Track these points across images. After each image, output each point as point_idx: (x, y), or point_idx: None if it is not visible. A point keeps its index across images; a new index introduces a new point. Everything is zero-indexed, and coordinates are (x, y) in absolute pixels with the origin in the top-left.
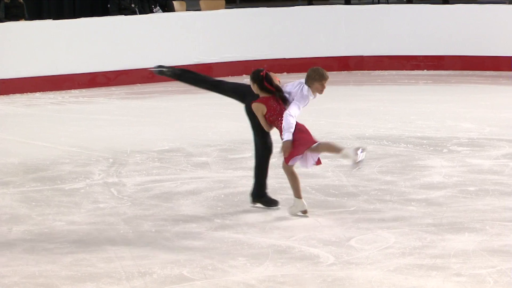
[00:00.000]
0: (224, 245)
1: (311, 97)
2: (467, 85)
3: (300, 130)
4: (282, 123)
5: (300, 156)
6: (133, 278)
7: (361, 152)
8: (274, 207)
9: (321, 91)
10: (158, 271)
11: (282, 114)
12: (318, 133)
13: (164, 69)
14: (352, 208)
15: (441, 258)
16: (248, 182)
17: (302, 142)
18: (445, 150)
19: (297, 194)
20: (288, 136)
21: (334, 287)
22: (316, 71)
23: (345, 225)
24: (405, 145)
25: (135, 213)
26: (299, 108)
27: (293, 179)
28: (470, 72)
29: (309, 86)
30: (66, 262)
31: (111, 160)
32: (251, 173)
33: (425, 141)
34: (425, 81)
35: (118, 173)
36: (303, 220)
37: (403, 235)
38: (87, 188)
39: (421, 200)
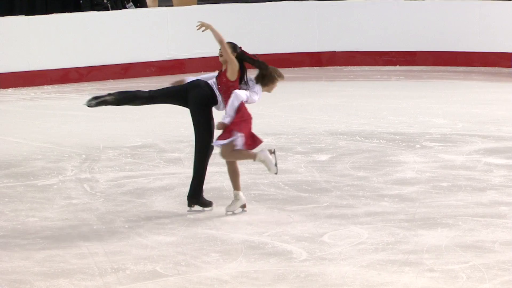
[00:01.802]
0: (197, 240)
1: (259, 96)
2: (439, 80)
3: (245, 121)
4: (228, 99)
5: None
6: (106, 274)
7: (273, 153)
8: (208, 209)
9: (270, 91)
10: (131, 267)
11: (231, 90)
12: (290, 129)
13: (105, 99)
14: (325, 204)
15: (414, 254)
16: (220, 178)
17: (237, 128)
18: (417, 146)
19: (237, 187)
20: (227, 120)
21: (307, 283)
22: (275, 71)
23: (318, 221)
24: (377, 141)
25: (108, 209)
26: (247, 97)
27: (234, 172)
28: (443, 68)
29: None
30: (39, 258)
31: (83, 156)
32: (224, 169)
33: (397, 137)
34: (398, 77)
35: (91, 169)
36: (276, 216)
37: (376, 230)
38: (60, 184)
39: (394, 196)
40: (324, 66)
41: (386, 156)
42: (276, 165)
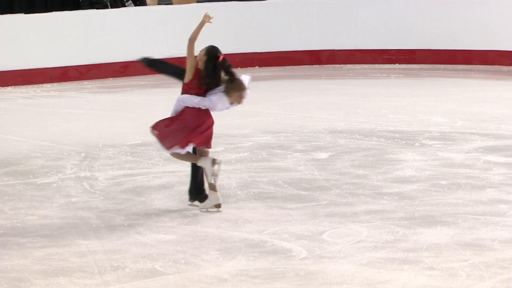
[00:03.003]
0: (196, 239)
1: (222, 105)
2: (439, 79)
3: (184, 124)
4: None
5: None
6: (106, 272)
7: (217, 164)
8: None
9: (240, 102)
10: (131, 265)
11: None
12: (290, 127)
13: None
14: (324, 202)
15: (414, 252)
16: (220, 176)
17: (173, 136)
18: (417, 144)
19: (214, 186)
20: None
21: (307, 281)
22: (237, 82)
23: (318, 219)
24: (377, 139)
25: (107, 207)
26: (192, 103)
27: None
28: (442, 66)
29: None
30: (38, 256)
31: (83, 154)
32: (223, 167)
33: (397, 135)
34: (397, 75)
35: (90, 167)
36: (275, 214)
37: (376, 228)
38: (59, 182)
39: (393, 194)
40: (324, 64)
41: (386, 154)
42: (214, 175)
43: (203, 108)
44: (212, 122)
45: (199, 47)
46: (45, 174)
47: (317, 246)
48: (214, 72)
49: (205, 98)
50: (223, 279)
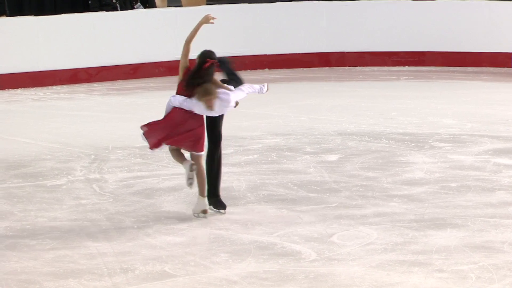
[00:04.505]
0: (206, 241)
1: (199, 109)
2: (448, 81)
3: (167, 123)
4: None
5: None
6: (115, 275)
7: (193, 171)
8: (222, 211)
9: (210, 108)
10: (140, 267)
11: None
12: (299, 129)
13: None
14: (334, 204)
15: (423, 254)
16: (229, 178)
17: (156, 132)
18: (426, 146)
19: (202, 192)
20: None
21: (316, 283)
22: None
23: (327, 221)
24: (386, 141)
25: (117, 210)
26: (179, 103)
27: (201, 176)
28: (451, 68)
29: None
30: (48, 258)
31: (92, 156)
32: (233, 169)
33: (406, 137)
34: (407, 77)
35: (100, 169)
36: (285, 216)
37: (385, 231)
38: (69, 184)
39: (403, 196)
40: (333, 66)
41: (395, 157)
42: (190, 179)
43: (187, 108)
44: (199, 125)
45: (195, 47)
46: (55, 176)
47: (327, 248)
48: (195, 74)
49: (187, 99)
50: (232, 281)
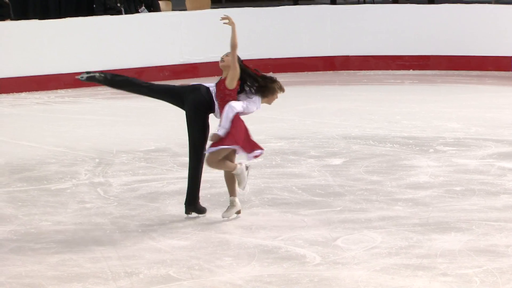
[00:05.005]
0: (210, 245)
1: (257, 106)
2: (453, 85)
3: (237, 129)
4: (223, 106)
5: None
6: (120, 278)
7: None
8: (202, 215)
9: (270, 103)
10: (145, 271)
11: (228, 99)
12: (304, 133)
13: (95, 75)
14: (339, 208)
15: (428, 258)
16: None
17: (230, 139)
18: (431, 150)
19: (233, 193)
20: (221, 131)
21: (321, 287)
22: (276, 84)
23: (332, 225)
24: (391, 145)
25: (121, 213)
26: (243, 108)
27: (230, 179)
28: (456, 72)
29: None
30: (52, 262)
31: (97, 160)
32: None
33: (411, 141)
34: (411, 81)
35: (104, 173)
36: (289, 220)
37: (390, 235)
38: (74, 188)
39: (407, 200)
40: (338, 70)
41: (400, 160)
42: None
43: (247, 111)
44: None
45: (199, 51)
46: (59, 180)
47: (331, 252)
48: (262, 74)
49: (244, 102)
50: (237, 285)
